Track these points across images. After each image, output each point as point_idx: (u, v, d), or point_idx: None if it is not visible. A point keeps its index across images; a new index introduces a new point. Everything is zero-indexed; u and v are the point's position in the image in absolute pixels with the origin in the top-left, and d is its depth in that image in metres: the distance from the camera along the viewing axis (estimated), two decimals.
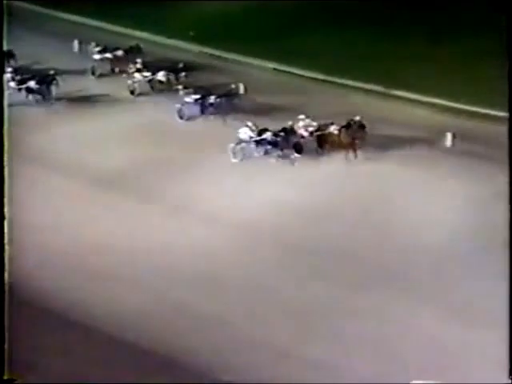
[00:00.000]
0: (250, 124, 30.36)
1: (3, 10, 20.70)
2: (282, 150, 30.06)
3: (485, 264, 22.09)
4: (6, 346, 15.91)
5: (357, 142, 30.03)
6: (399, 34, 38.80)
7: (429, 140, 30.81)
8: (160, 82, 36.22)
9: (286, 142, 30.18)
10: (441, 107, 33.73)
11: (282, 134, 30.17)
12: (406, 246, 23.88)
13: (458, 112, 32.99)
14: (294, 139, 30.30)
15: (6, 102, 18.11)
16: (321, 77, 36.82)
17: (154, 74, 36.28)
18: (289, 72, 37.81)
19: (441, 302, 21.01)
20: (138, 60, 37.00)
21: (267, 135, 30.15)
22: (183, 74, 36.24)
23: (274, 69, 38.61)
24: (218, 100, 33.51)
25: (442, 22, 39.55)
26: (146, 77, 36.27)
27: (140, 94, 35.93)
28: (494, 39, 31.25)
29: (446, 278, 22.15)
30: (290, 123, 30.38)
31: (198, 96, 33.68)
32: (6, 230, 15.88)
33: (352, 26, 40.25)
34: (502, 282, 17.11)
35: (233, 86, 34.41)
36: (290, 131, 30.35)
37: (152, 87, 36.38)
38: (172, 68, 36.62)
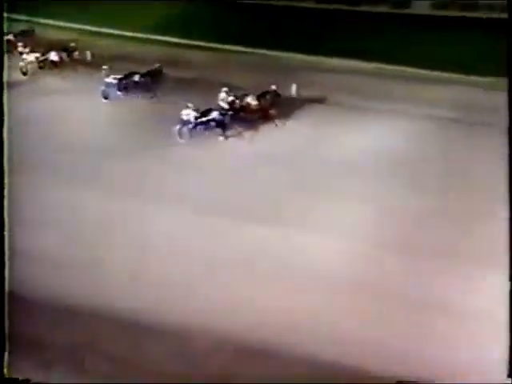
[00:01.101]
0: (190, 105, 29.79)
1: (3, 10, 22.14)
2: (225, 129, 29.96)
3: None
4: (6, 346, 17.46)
5: (272, 110, 31.62)
6: None
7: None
8: (53, 62, 37.09)
9: (233, 121, 30.25)
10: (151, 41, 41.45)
11: (229, 112, 30.25)
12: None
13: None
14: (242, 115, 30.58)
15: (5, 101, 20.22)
16: None
17: (44, 54, 37.06)
18: None
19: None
20: (29, 42, 37.34)
21: (214, 115, 29.88)
22: (76, 52, 37.42)
23: None
24: (143, 79, 34.23)
25: None
26: (38, 57, 36.93)
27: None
28: None
29: None
30: (237, 101, 30.80)
31: (120, 76, 34.07)
32: None
33: None
34: None
35: (156, 64, 35.07)
36: (239, 109, 30.55)
37: (40, 67, 37.05)
38: (64, 47, 37.51)
